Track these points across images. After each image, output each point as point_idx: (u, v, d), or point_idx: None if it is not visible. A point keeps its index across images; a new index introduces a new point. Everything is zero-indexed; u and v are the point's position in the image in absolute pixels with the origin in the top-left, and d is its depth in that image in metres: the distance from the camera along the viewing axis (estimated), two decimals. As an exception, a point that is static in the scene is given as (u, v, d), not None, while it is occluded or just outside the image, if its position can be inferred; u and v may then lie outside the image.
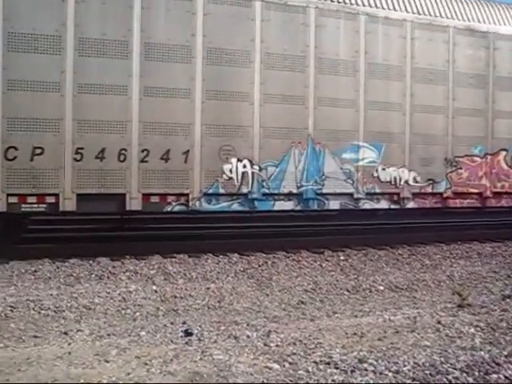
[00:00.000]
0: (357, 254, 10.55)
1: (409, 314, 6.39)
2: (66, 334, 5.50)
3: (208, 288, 7.73)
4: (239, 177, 10.05)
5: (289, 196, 10.46)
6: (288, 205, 10.51)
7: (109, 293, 7.29)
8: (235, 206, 10.19)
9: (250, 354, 4.76)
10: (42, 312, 6.41)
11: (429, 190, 11.84)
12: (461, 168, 12.13)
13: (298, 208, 10.61)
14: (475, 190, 12.36)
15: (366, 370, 4.36)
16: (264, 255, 10.10)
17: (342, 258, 10.26)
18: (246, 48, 10.12)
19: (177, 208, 9.76)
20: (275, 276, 8.71)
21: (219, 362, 4.51)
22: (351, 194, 10.99)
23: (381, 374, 4.29)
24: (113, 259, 9.28)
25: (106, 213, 9.94)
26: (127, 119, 9.32)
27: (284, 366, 4.43)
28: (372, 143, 11.12)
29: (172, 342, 5.16)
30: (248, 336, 5.32)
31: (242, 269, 9.11)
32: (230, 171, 10.00)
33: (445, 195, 11.97)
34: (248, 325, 5.83)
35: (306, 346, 4.99)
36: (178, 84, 9.67)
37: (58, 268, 8.69)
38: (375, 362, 4.51)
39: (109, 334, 5.48)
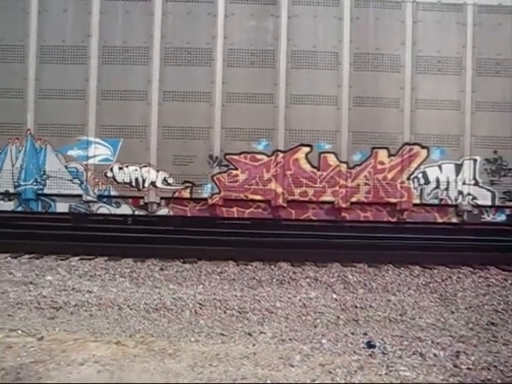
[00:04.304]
0: (555, 275, 9.54)
1: None
2: (249, 334, 5.72)
3: (389, 300, 7.52)
4: None
5: (8, 196, 9.79)
6: (8, 205, 9.85)
7: (289, 298, 7.41)
8: None
9: (438, 374, 4.52)
10: (228, 312, 6.73)
11: (186, 194, 9.79)
12: (236, 168, 9.72)
13: (20, 209, 9.90)
14: (259, 198, 9.76)
15: None
16: (448, 269, 9.55)
17: (537, 277, 9.36)
18: None
19: None
20: (460, 292, 8.20)
21: (406, 378, 4.34)
22: (81, 196, 9.79)
23: None
24: (293, 265, 9.44)
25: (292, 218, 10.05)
26: None
27: (478, 392, 4.13)
28: (106, 138, 9.70)
29: (354, 352, 5.10)
30: (435, 354, 5.07)
31: (423, 282, 8.71)
32: None
33: (211, 202, 9.72)
34: (433, 342, 5.56)
35: (503, 374, 4.60)
36: None
37: (241, 270, 9.05)
38: None
39: (291, 339, 5.58)
